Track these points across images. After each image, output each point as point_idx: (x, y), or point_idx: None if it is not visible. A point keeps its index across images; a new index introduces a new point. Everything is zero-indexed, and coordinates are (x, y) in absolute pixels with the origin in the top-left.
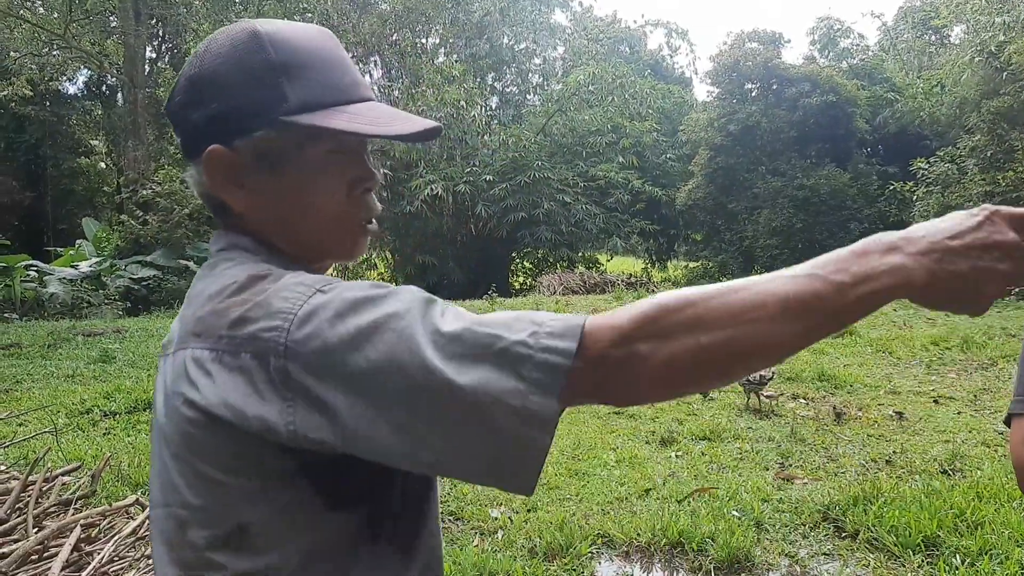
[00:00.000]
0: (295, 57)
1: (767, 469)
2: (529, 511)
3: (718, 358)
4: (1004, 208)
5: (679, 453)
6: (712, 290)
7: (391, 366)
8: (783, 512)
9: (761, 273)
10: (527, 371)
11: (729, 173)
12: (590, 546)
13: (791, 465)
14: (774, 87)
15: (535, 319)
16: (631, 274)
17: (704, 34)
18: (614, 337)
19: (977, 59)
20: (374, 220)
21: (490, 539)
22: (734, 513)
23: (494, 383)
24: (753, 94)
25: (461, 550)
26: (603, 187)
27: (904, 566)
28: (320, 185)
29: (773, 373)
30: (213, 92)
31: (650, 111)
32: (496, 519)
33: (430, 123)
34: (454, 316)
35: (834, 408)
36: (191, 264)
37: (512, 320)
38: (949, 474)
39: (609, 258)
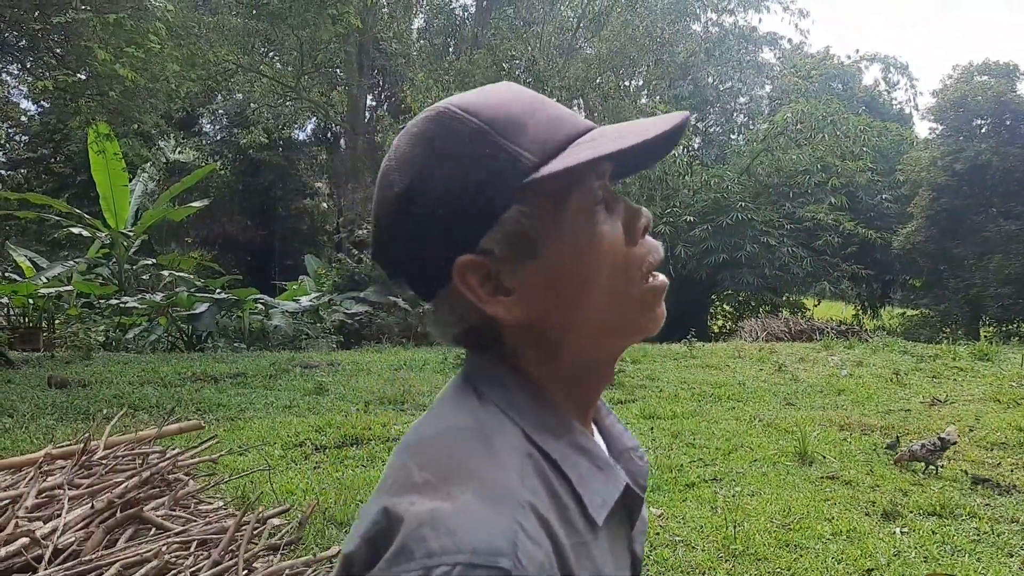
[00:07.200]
0: (501, 111)
1: (1011, 556)
2: None
3: None
4: None
5: (904, 529)
6: None
7: None
8: None
9: (990, 325)
10: None
11: (954, 215)
12: None
13: None
14: (1007, 123)
15: None
16: (840, 321)
17: (925, 67)
18: None
19: None
20: (659, 273)
21: None
22: None
23: None
24: (983, 130)
25: None
26: (811, 229)
27: None
28: (595, 243)
29: (955, 438)
30: (431, 199)
31: (864, 149)
32: None
33: (677, 115)
34: None
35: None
36: (399, 301)
37: None
38: None
39: (816, 303)
